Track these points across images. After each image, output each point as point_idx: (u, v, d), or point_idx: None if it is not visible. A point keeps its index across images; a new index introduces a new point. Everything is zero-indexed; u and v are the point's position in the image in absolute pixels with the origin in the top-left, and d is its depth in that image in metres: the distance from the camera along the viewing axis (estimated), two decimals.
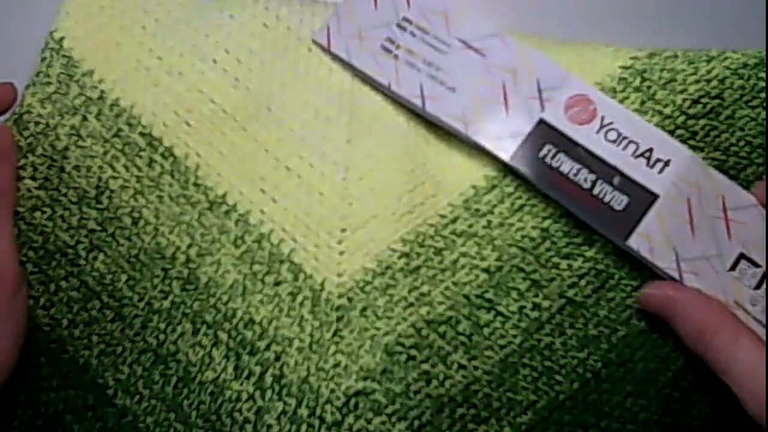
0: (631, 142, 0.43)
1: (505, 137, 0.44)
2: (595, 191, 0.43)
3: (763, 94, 0.44)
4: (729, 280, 0.42)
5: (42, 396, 0.45)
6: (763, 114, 0.44)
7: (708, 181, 0.43)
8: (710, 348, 0.40)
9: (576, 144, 0.43)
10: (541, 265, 0.44)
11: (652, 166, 0.43)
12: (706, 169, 0.43)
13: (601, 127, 0.43)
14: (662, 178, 0.42)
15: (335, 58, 0.48)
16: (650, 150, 0.43)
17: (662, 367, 0.44)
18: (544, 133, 0.44)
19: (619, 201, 0.43)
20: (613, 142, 0.43)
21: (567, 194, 0.43)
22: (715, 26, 0.51)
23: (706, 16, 0.51)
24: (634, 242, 0.42)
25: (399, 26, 0.47)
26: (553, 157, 0.43)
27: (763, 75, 0.44)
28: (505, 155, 0.44)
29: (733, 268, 0.42)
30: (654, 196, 0.42)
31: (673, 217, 0.42)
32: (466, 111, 0.45)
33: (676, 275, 0.42)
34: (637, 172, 0.43)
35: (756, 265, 0.42)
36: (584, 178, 0.43)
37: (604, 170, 0.43)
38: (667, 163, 0.43)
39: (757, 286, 0.42)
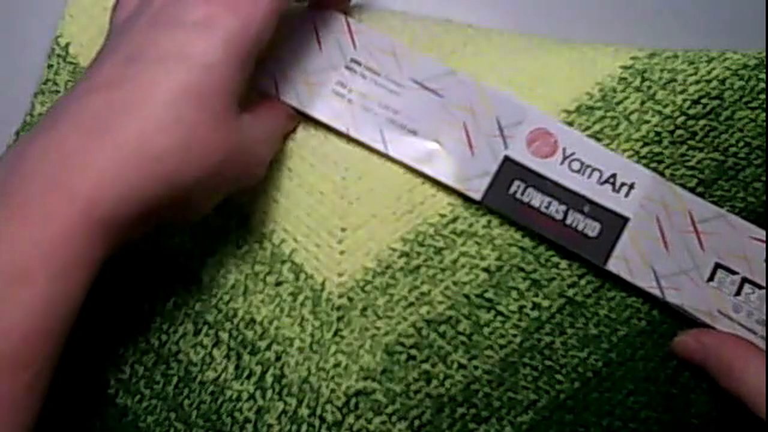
0: (594, 170, 0.44)
1: (473, 177, 0.44)
2: (568, 221, 0.43)
3: (763, 96, 0.44)
4: (709, 291, 0.43)
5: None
6: (763, 115, 0.44)
7: (674, 198, 0.44)
8: (741, 383, 0.40)
9: (543, 177, 0.44)
10: (541, 264, 0.44)
11: (618, 191, 0.44)
12: (669, 187, 0.44)
13: (564, 158, 0.44)
14: (629, 201, 0.43)
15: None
16: (614, 176, 0.44)
17: (662, 365, 0.44)
18: (511, 169, 0.44)
19: (592, 228, 0.43)
20: (578, 171, 0.44)
21: (541, 227, 0.44)
22: (715, 26, 0.51)
23: (706, 16, 0.51)
24: (613, 266, 0.43)
25: (348, 68, 0.45)
26: (522, 193, 0.44)
27: (764, 76, 0.44)
28: (476, 195, 0.44)
29: (711, 278, 0.43)
30: (624, 219, 0.43)
31: (645, 237, 0.43)
32: (432, 153, 0.45)
33: (657, 293, 0.43)
34: (605, 198, 0.43)
35: (733, 272, 0.43)
36: (555, 209, 0.44)
37: (574, 200, 0.44)
38: (632, 186, 0.44)
39: (737, 293, 0.43)
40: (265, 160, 0.42)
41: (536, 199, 0.44)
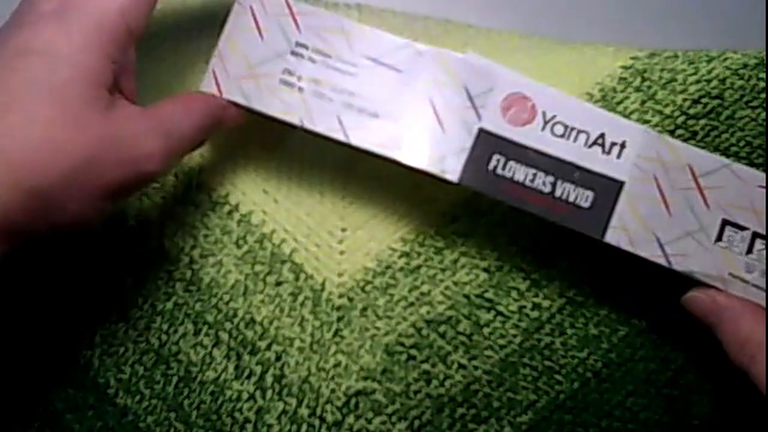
0: (580, 132, 0.40)
1: (447, 157, 0.40)
2: (557, 193, 0.40)
3: (763, 95, 0.44)
4: (718, 253, 0.39)
5: (42, 395, 0.45)
6: (764, 114, 0.44)
7: (670, 152, 0.40)
8: (753, 362, 0.37)
9: (524, 147, 0.40)
10: (541, 264, 0.44)
11: (608, 152, 0.40)
12: (664, 140, 0.40)
13: (545, 123, 0.40)
14: (622, 162, 0.40)
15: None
16: (602, 136, 0.40)
17: (663, 366, 0.44)
18: (488, 143, 0.40)
19: (584, 197, 0.39)
20: (562, 136, 0.40)
21: (529, 203, 0.40)
22: (715, 26, 0.51)
23: (706, 16, 0.51)
24: (612, 237, 0.39)
25: (294, 54, 0.41)
26: (504, 167, 0.40)
27: (764, 75, 0.44)
28: (452, 177, 0.40)
29: (719, 238, 0.39)
30: (619, 184, 0.39)
31: (644, 201, 0.39)
32: (398, 137, 0.40)
33: (663, 262, 0.39)
34: (595, 162, 0.40)
35: (742, 228, 0.39)
36: (542, 182, 0.40)
37: (561, 168, 0.40)
38: (623, 146, 0.40)
39: (749, 250, 0.39)
40: (155, 154, 0.37)
41: (519, 172, 0.40)
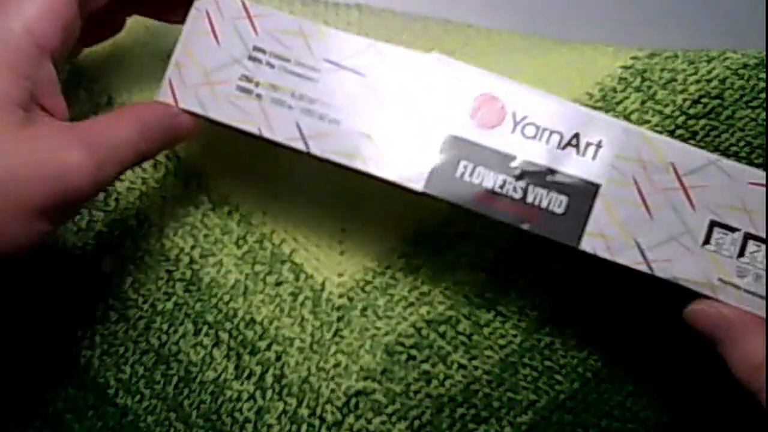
0: (552, 132, 0.37)
1: (411, 165, 0.38)
2: (529, 199, 0.37)
3: (763, 95, 0.44)
4: (706, 257, 0.37)
5: (42, 395, 0.45)
6: (764, 114, 0.44)
7: (650, 150, 0.37)
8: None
9: (493, 152, 0.38)
10: (541, 264, 0.44)
11: (583, 154, 0.37)
12: (643, 137, 0.37)
13: (516, 124, 0.38)
14: (598, 163, 0.37)
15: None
16: (576, 136, 0.37)
17: (663, 366, 0.44)
18: (455, 148, 0.38)
19: (558, 203, 0.37)
20: (534, 137, 0.37)
21: (500, 211, 0.37)
22: (715, 26, 0.51)
23: (706, 16, 0.51)
24: (588, 245, 0.37)
25: (252, 59, 0.39)
26: (471, 174, 0.37)
27: (764, 75, 0.44)
28: (417, 185, 0.38)
29: (707, 241, 0.37)
30: (595, 186, 0.37)
31: (623, 204, 0.37)
32: (361, 144, 0.38)
33: (644, 268, 0.37)
34: (569, 164, 0.37)
35: (732, 229, 0.37)
36: (513, 187, 0.37)
37: (533, 173, 0.37)
38: (599, 145, 0.37)
39: (741, 253, 0.37)
40: (82, 166, 0.35)
41: (488, 178, 0.37)
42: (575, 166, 0.37)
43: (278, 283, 0.45)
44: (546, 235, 0.37)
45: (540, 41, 0.47)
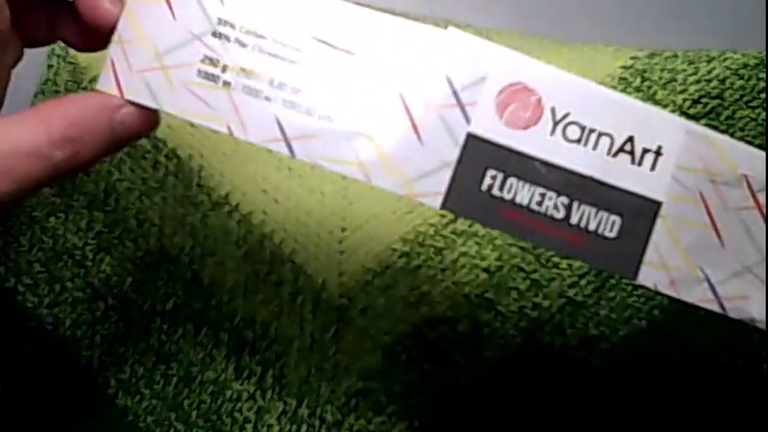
0: (601, 134, 0.30)
1: (427, 175, 0.30)
2: (573, 220, 0.30)
3: (763, 95, 0.44)
4: None
5: (41, 395, 0.45)
6: (764, 114, 0.44)
7: (718, 158, 0.30)
8: None
9: (528, 158, 0.30)
10: (541, 264, 0.44)
11: (639, 163, 0.30)
12: (709, 141, 0.30)
13: (555, 123, 0.30)
14: (658, 174, 0.30)
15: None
16: (630, 139, 0.30)
17: (663, 367, 0.44)
18: (480, 153, 0.30)
19: (609, 225, 0.30)
20: (578, 141, 0.30)
21: (538, 233, 0.30)
22: (715, 26, 0.51)
23: (706, 16, 0.51)
24: (646, 278, 0.30)
25: (217, 35, 0.31)
26: (501, 187, 0.30)
27: (764, 75, 0.44)
28: (434, 202, 0.30)
29: None
30: (655, 204, 0.30)
31: (688, 226, 0.30)
32: (359, 148, 0.30)
33: (716, 307, 0.30)
34: (622, 176, 0.30)
35: None
36: (553, 204, 0.30)
37: (578, 186, 0.30)
38: (658, 152, 0.30)
39: None
40: None
41: (522, 193, 0.30)
42: (630, 179, 0.30)
43: (278, 283, 0.45)
44: (595, 264, 0.32)
45: (540, 41, 0.47)
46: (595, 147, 0.30)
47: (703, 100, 0.44)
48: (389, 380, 0.43)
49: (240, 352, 0.44)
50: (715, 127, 0.44)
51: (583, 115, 0.30)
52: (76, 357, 0.45)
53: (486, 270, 0.44)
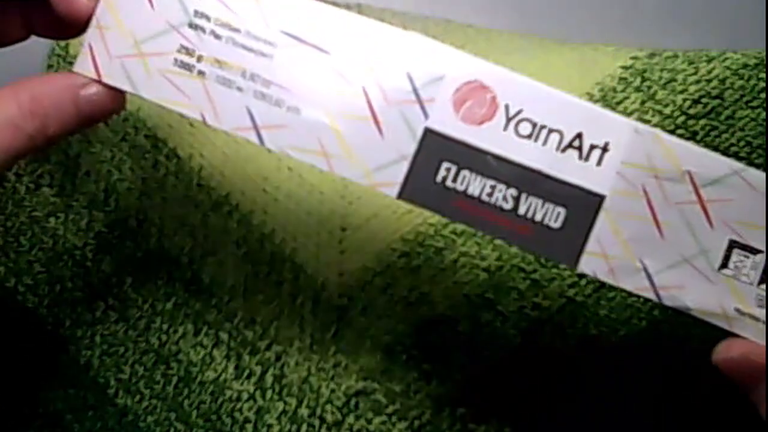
0: (551, 131, 0.32)
1: (386, 166, 0.32)
2: (521, 210, 0.32)
3: (763, 95, 0.44)
4: (723, 284, 0.32)
5: (42, 395, 0.45)
6: (764, 114, 0.44)
7: (664, 156, 0.32)
8: None
9: (481, 152, 0.32)
10: (541, 264, 0.44)
11: (586, 158, 0.32)
12: (657, 139, 0.32)
13: (509, 120, 0.32)
14: (603, 170, 0.32)
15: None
16: (579, 136, 0.32)
17: (663, 367, 0.44)
18: (436, 147, 0.32)
19: (554, 216, 0.32)
20: (529, 136, 0.32)
21: (487, 223, 0.32)
22: (715, 26, 0.51)
23: (706, 16, 0.51)
24: (587, 266, 0.32)
25: (193, 26, 0.33)
26: (455, 179, 0.32)
27: (764, 75, 0.44)
28: (391, 191, 0.32)
29: (724, 264, 0.32)
30: (598, 198, 0.32)
31: (629, 219, 0.32)
32: (324, 139, 0.32)
33: (651, 295, 0.32)
34: (570, 170, 0.32)
35: (754, 251, 0.32)
36: (503, 196, 0.32)
37: (527, 179, 0.32)
38: (605, 149, 0.32)
39: (762, 280, 0.32)
40: None
41: (475, 184, 0.32)
42: (576, 173, 0.32)
43: (278, 283, 0.45)
44: (539, 254, 0.34)
45: (540, 41, 0.47)
46: (545, 142, 0.32)
47: (703, 100, 0.44)
48: (389, 380, 0.43)
49: (240, 352, 0.44)
50: (715, 127, 0.44)
51: (536, 112, 0.32)
52: (75, 357, 0.45)
53: (486, 270, 0.44)
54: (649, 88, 0.45)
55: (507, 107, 0.32)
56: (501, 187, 0.32)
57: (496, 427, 0.43)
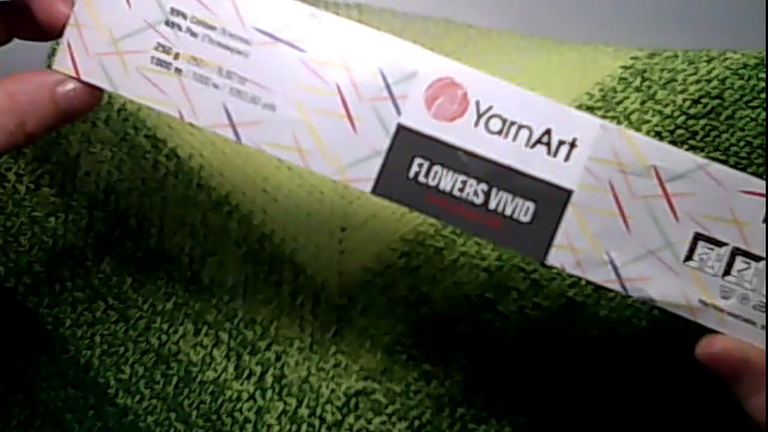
0: (521, 127, 0.33)
1: (359, 162, 0.33)
2: (492, 205, 0.33)
3: (763, 95, 0.44)
4: (688, 275, 0.33)
5: (42, 395, 0.45)
6: (764, 114, 0.44)
7: (630, 152, 0.33)
8: None
9: (452, 148, 0.33)
10: (541, 264, 0.44)
11: (555, 154, 0.33)
12: (623, 136, 0.33)
13: (479, 116, 0.33)
14: (571, 165, 0.33)
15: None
16: (547, 132, 0.33)
17: (663, 367, 0.44)
18: (409, 143, 0.33)
19: (524, 210, 0.33)
20: (499, 133, 0.33)
21: (458, 217, 0.33)
22: (715, 26, 0.51)
23: (706, 16, 0.51)
24: (555, 258, 0.33)
25: (170, 24, 0.33)
26: (427, 174, 0.33)
27: (764, 75, 0.44)
28: (365, 186, 0.33)
29: (689, 256, 0.33)
30: (566, 193, 0.33)
31: (596, 214, 0.33)
32: (299, 135, 0.33)
33: (617, 287, 0.33)
34: (538, 165, 0.33)
35: (719, 243, 0.32)
36: (473, 191, 0.33)
37: (497, 174, 0.33)
38: (573, 145, 0.33)
39: (726, 272, 0.32)
40: None
41: (446, 180, 0.33)
42: (545, 168, 0.33)
43: (278, 283, 0.45)
44: (509, 247, 0.33)
45: (540, 41, 0.47)
46: (515, 138, 0.33)
47: (703, 100, 0.44)
48: (389, 380, 0.43)
49: (240, 352, 0.44)
50: (715, 127, 0.44)
51: (506, 109, 0.33)
52: (75, 357, 0.45)
53: (486, 270, 0.44)
54: (649, 88, 0.45)
55: (478, 104, 0.33)
56: (472, 182, 0.33)
57: (496, 427, 0.43)
